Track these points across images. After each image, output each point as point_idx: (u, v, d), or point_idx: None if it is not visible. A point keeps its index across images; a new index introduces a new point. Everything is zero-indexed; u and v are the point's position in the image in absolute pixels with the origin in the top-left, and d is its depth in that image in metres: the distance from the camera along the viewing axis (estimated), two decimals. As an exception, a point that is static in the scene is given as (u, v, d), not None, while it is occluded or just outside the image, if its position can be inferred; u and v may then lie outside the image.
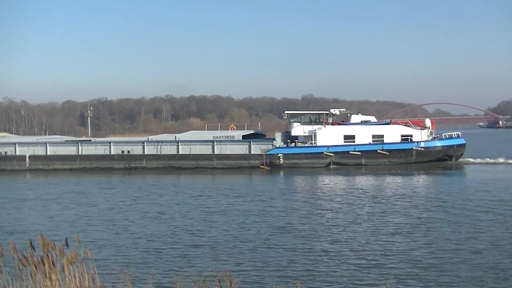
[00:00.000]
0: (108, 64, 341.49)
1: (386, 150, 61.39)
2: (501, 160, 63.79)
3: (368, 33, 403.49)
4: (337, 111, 68.11)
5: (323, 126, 63.61)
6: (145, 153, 66.81)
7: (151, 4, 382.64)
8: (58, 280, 9.08)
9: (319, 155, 62.48)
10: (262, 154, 63.52)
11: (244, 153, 64.73)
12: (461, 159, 63.82)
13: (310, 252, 22.81)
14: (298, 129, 64.63)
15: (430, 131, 64.04)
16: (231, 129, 76.42)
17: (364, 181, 49.46)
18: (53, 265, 8.90)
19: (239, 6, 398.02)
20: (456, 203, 34.61)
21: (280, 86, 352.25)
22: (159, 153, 66.63)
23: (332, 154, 62.10)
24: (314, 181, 50.70)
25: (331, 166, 61.68)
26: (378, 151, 61.51)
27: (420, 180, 49.90)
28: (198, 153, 65.47)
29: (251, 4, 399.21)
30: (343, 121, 67.23)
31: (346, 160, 61.83)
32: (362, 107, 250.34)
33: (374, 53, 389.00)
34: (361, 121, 65.49)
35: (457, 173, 55.04)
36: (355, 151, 61.74)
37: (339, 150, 62.10)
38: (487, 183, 45.07)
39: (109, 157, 67.36)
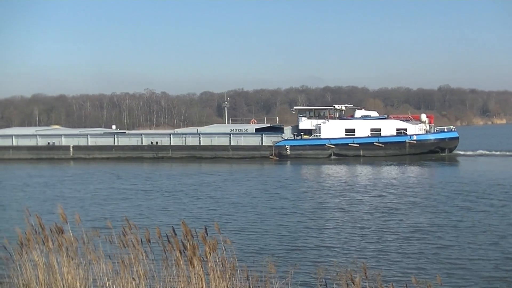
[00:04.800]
0: (244, 56, 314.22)
1: (382, 143, 62.13)
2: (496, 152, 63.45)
3: (505, 22, 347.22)
4: (342, 106, 69.23)
5: (327, 120, 65.11)
6: (171, 144, 68.67)
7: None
8: (201, 266, 9.13)
9: (322, 146, 63.29)
10: (272, 146, 64.61)
11: (256, 144, 66.13)
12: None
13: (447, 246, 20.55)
14: (305, 123, 65.52)
15: (429, 125, 64.32)
16: (252, 123, 76.98)
17: (361, 170, 50.65)
18: (195, 252, 9.00)
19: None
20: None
21: (416, 77, 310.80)
22: (183, 144, 68.55)
23: (333, 146, 62.83)
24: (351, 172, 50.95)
25: (332, 157, 62.42)
26: (374, 143, 62.29)
27: (409, 170, 50.32)
28: (216, 144, 67.36)
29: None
30: (352, 116, 68.11)
31: (346, 152, 62.60)
32: (501, 98, 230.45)
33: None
34: (361, 116, 66.59)
35: (436, 164, 55.63)
36: (354, 143, 62.70)
37: (340, 143, 62.88)
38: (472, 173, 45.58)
39: (140, 148, 69.01)
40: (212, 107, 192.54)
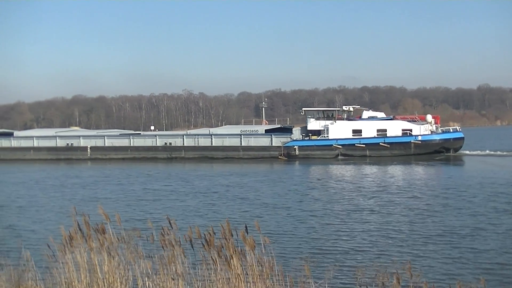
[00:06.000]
0: (282, 57, 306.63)
1: (387, 143, 62.20)
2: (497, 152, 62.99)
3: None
4: (350, 108, 69.97)
5: (334, 121, 65.66)
6: (184, 144, 69.79)
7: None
8: (240, 265, 9.01)
9: (329, 147, 63.56)
10: (281, 146, 65.28)
11: (266, 145, 66.73)
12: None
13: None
14: (313, 124, 65.87)
15: (436, 126, 64.34)
16: (264, 124, 78.03)
17: (368, 170, 50.54)
18: (234, 251, 8.90)
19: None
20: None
21: (455, 76, 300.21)
22: (196, 145, 69.71)
23: (340, 147, 63.08)
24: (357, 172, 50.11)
25: (339, 157, 62.56)
26: (380, 144, 62.38)
27: (412, 170, 50.58)
28: (228, 145, 68.25)
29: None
30: (360, 117, 68.45)
31: (353, 152, 62.72)
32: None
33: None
34: (368, 117, 66.98)
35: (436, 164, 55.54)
36: (360, 144, 63.00)
37: (346, 143, 63.08)
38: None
39: (154, 148, 70.05)
40: (249, 107, 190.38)
